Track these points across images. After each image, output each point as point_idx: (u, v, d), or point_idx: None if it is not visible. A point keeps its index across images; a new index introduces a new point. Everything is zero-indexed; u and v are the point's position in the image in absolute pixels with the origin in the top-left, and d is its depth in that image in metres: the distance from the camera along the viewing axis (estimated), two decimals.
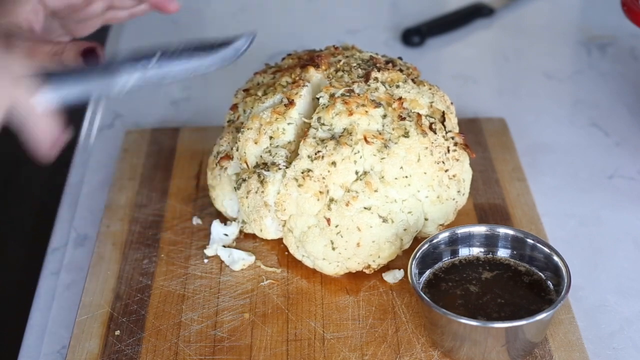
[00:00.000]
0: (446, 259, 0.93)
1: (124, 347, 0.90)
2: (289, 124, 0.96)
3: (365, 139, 0.92)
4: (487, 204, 1.07)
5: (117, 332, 0.91)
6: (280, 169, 0.93)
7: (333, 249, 0.93)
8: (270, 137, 0.95)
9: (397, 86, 0.98)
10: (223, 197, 1.02)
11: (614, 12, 1.41)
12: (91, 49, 0.91)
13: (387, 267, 0.97)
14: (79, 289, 0.98)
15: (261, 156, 0.96)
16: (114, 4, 1.00)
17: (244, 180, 0.96)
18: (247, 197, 0.96)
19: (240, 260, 0.98)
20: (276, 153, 0.94)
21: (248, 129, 0.96)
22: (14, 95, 0.81)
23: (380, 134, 0.93)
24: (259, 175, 0.95)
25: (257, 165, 0.96)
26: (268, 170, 0.94)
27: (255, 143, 0.96)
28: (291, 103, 0.96)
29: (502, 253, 0.93)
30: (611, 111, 1.28)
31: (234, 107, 1.04)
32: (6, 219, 1.42)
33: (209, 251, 1.00)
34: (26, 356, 0.94)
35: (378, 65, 1.00)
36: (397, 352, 0.88)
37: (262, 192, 0.94)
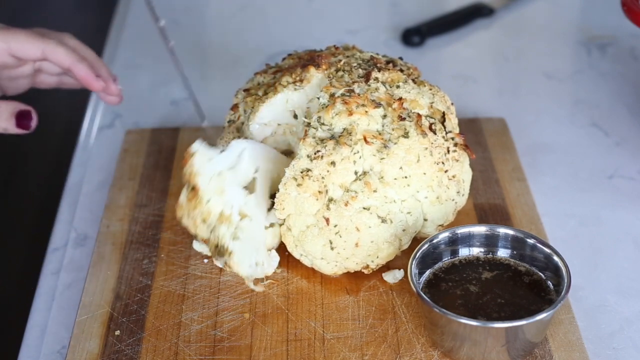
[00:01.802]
0: (446, 259, 0.93)
1: (124, 347, 0.90)
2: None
3: (364, 139, 0.92)
4: (487, 204, 1.07)
5: (117, 332, 0.91)
6: (228, 247, 0.93)
7: (332, 248, 0.93)
8: (203, 220, 0.93)
9: (398, 86, 0.98)
10: None
11: (614, 12, 1.42)
12: (26, 112, 0.96)
13: (387, 267, 0.97)
14: (79, 289, 0.98)
15: (210, 239, 0.94)
16: (42, 68, 1.05)
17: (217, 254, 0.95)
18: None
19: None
20: (217, 233, 0.93)
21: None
22: None
23: (380, 134, 0.93)
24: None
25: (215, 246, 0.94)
26: (222, 256, 0.93)
27: (201, 223, 0.94)
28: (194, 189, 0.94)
29: (502, 253, 0.93)
30: (611, 111, 1.28)
31: (235, 107, 1.04)
32: (6, 219, 1.42)
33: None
34: (26, 356, 0.94)
35: (378, 65, 1.00)
36: (397, 352, 0.88)
37: (231, 268, 0.94)
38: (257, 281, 0.95)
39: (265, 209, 0.97)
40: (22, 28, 1.00)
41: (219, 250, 0.92)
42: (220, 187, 0.92)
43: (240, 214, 0.94)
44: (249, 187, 0.95)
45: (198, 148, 0.92)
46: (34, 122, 0.96)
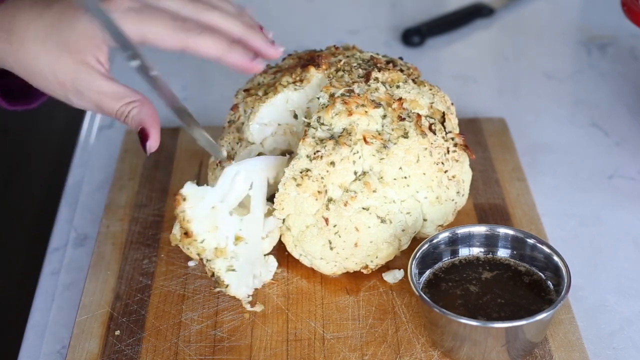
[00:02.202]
0: (446, 259, 0.93)
1: (124, 347, 0.90)
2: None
3: (364, 139, 0.92)
4: (487, 204, 1.07)
5: (117, 332, 0.91)
6: (224, 281, 0.92)
7: (331, 248, 0.93)
8: (198, 254, 0.91)
9: (398, 86, 0.98)
10: None
11: (614, 12, 1.41)
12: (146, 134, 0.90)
13: (387, 267, 0.97)
14: (79, 289, 0.98)
15: (206, 267, 0.93)
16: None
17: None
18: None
19: None
20: (213, 266, 0.91)
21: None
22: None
23: (379, 134, 0.93)
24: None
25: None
26: (219, 285, 0.92)
27: (196, 255, 0.92)
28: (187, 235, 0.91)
29: (502, 253, 0.93)
30: (611, 111, 1.28)
31: (235, 107, 1.04)
32: (6, 219, 1.42)
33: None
34: (26, 356, 0.94)
35: (378, 65, 1.00)
36: (397, 352, 0.88)
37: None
38: (253, 302, 0.94)
39: (262, 221, 0.95)
40: (158, 8, 0.89)
41: (215, 281, 0.91)
42: (213, 224, 0.90)
43: (235, 238, 0.92)
44: (244, 205, 0.94)
45: (189, 192, 0.88)
46: (149, 146, 0.90)
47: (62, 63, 0.87)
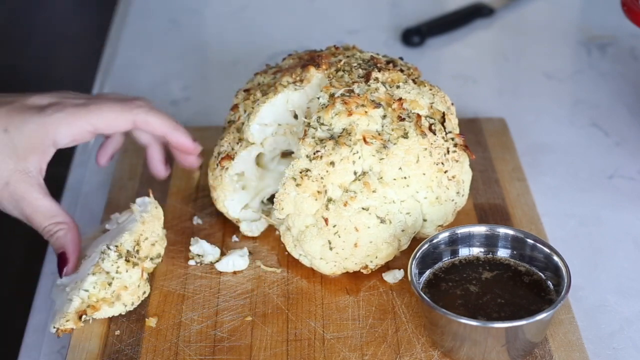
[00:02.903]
0: (446, 259, 0.93)
1: (124, 347, 0.90)
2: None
3: (364, 139, 0.92)
4: (487, 204, 1.07)
5: (117, 332, 0.91)
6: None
7: (330, 248, 0.93)
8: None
9: (398, 87, 0.98)
10: (224, 198, 1.02)
11: (614, 12, 1.42)
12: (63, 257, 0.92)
13: (387, 267, 0.97)
14: None
15: None
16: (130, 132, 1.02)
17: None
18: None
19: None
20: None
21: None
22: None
23: (379, 134, 0.93)
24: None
25: None
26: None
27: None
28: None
29: (502, 253, 0.93)
30: (611, 111, 1.28)
31: (235, 107, 1.04)
32: (6, 219, 1.42)
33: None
34: (26, 356, 0.94)
35: (379, 65, 1.00)
36: (397, 352, 0.88)
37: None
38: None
39: None
40: (102, 97, 0.94)
41: None
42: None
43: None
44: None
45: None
46: (65, 270, 0.92)
47: (2, 167, 0.88)
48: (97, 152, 1.03)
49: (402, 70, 1.00)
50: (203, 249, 1.00)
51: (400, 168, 0.93)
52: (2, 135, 0.88)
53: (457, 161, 0.97)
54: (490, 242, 0.93)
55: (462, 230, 0.93)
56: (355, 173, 0.93)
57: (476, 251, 0.93)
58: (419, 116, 0.95)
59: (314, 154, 0.92)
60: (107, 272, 0.90)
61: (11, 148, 0.88)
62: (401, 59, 1.05)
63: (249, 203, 1.03)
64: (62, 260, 0.92)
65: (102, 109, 0.92)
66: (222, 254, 1.01)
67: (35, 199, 0.90)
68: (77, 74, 1.94)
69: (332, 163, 0.92)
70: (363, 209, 0.92)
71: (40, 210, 0.90)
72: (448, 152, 0.96)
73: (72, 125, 0.90)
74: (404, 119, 0.95)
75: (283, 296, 0.95)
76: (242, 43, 1.48)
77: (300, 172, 0.93)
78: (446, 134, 0.97)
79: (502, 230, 0.93)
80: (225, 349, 0.89)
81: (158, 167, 1.03)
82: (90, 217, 1.09)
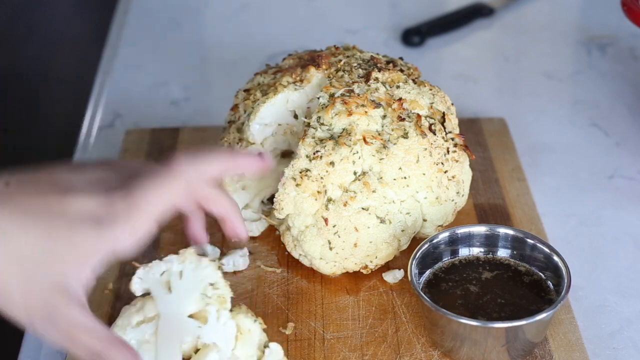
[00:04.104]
0: (446, 259, 0.93)
1: None
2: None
3: (364, 139, 0.92)
4: (487, 204, 1.07)
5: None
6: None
7: (330, 248, 0.93)
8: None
9: (398, 87, 0.98)
10: None
11: (614, 12, 1.42)
12: None
13: (387, 267, 0.97)
14: None
15: None
16: None
17: None
18: None
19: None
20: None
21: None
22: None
23: (379, 134, 0.93)
24: None
25: None
26: None
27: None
28: None
29: (502, 253, 0.93)
30: (611, 111, 1.28)
31: (235, 107, 1.04)
32: None
33: None
34: (26, 356, 0.94)
35: (379, 65, 1.00)
36: (397, 352, 0.88)
37: None
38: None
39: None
40: (144, 177, 0.76)
41: None
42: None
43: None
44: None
45: None
46: None
47: (37, 281, 0.72)
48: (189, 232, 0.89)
49: (402, 70, 1.00)
50: (203, 249, 1.00)
51: (400, 168, 0.93)
52: (43, 244, 0.72)
53: (457, 161, 0.97)
54: (490, 242, 0.93)
55: (462, 230, 0.93)
56: (355, 173, 0.93)
57: (476, 251, 0.93)
58: (419, 116, 0.95)
59: (314, 154, 0.92)
60: None
61: (51, 260, 0.72)
62: (401, 59, 1.05)
63: (249, 203, 1.03)
64: None
65: (142, 189, 0.75)
66: (222, 254, 1.01)
67: (74, 317, 0.73)
68: (77, 74, 1.94)
69: (332, 163, 0.92)
70: (363, 209, 0.92)
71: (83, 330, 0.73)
72: (448, 152, 0.96)
73: (132, 228, 0.75)
74: (404, 119, 0.95)
75: (283, 296, 0.95)
76: (242, 43, 1.48)
77: (300, 172, 0.93)
78: (446, 134, 0.97)
79: (502, 230, 0.93)
80: None
81: (200, 235, 0.88)
82: None
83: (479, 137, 1.18)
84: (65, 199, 0.73)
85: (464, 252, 0.93)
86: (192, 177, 0.77)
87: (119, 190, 0.74)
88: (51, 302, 0.72)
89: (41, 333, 0.73)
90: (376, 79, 0.97)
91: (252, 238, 1.03)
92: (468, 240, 0.93)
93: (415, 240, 0.96)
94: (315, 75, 1.00)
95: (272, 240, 1.03)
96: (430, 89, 1.00)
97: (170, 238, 1.02)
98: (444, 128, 0.97)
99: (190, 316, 0.82)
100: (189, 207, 0.83)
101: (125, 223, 0.74)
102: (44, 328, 0.73)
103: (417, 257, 0.90)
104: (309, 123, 0.95)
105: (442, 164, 0.95)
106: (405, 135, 0.94)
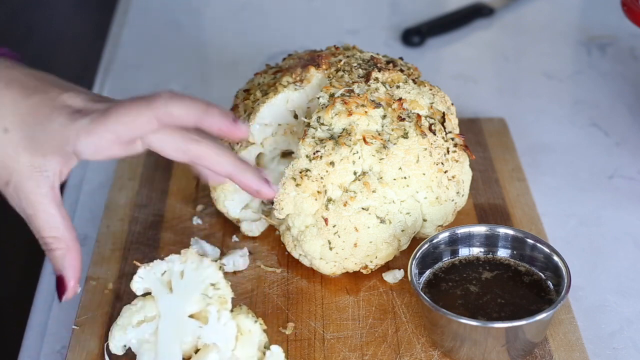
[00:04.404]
0: (446, 259, 0.93)
1: None
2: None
3: (364, 139, 0.92)
4: (487, 204, 1.07)
5: None
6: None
7: (330, 248, 0.93)
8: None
9: (398, 87, 0.98)
10: (224, 198, 1.02)
11: (614, 12, 1.42)
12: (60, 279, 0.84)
13: (387, 267, 0.97)
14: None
15: None
16: None
17: None
18: None
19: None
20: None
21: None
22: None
23: (379, 134, 0.93)
24: None
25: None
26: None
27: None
28: None
29: (502, 253, 0.93)
30: (611, 111, 1.28)
31: (235, 107, 1.04)
32: (6, 219, 1.42)
33: None
34: (26, 356, 0.94)
35: (379, 65, 1.00)
36: (397, 352, 0.88)
37: None
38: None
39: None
40: (124, 100, 0.82)
41: None
42: None
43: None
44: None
45: None
46: (65, 297, 0.83)
47: (12, 159, 0.80)
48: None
49: (402, 70, 1.00)
50: (203, 249, 1.00)
51: (400, 168, 0.93)
52: (21, 127, 0.80)
53: (457, 161, 0.97)
54: (490, 242, 0.93)
55: (462, 230, 0.93)
56: (355, 173, 0.93)
57: (476, 251, 0.93)
58: (419, 116, 0.95)
59: (314, 154, 0.92)
60: None
61: (29, 141, 0.79)
62: (401, 59, 1.05)
63: (249, 203, 1.03)
64: (60, 284, 0.83)
65: (118, 112, 0.80)
66: (222, 254, 1.01)
67: (40, 203, 0.81)
68: (77, 74, 1.94)
69: (332, 163, 0.92)
70: (363, 209, 0.92)
71: (42, 216, 0.82)
72: (448, 152, 0.96)
73: (92, 133, 0.79)
74: (404, 119, 0.95)
75: (283, 296, 0.95)
76: (242, 43, 1.48)
77: (300, 172, 0.93)
78: (446, 134, 0.97)
79: (502, 230, 0.93)
80: None
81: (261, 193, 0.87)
82: (91, 217, 1.09)
83: (479, 137, 1.18)
84: (60, 88, 0.82)
85: (464, 252, 0.93)
86: (162, 115, 0.80)
87: (101, 102, 0.82)
88: (21, 183, 0.80)
89: (9, 201, 0.82)
90: (376, 79, 0.97)
91: (252, 238, 1.03)
92: (468, 240, 0.93)
93: (415, 240, 0.96)
94: (315, 75, 1.00)
95: (272, 240, 1.03)
96: (430, 89, 1.00)
97: (170, 238, 1.02)
98: (444, 128, 0.97)
99: (191, 316, 0.82)
100: (180, 158, 0.84)
101: (89, 124, 0.79)
102: (10, 198, 0.82)
103: (417, 257, 0.90)
104: (309, 123, 0.95)
105: (442, 164, 0.95)
106: (405, 135, 0.94)
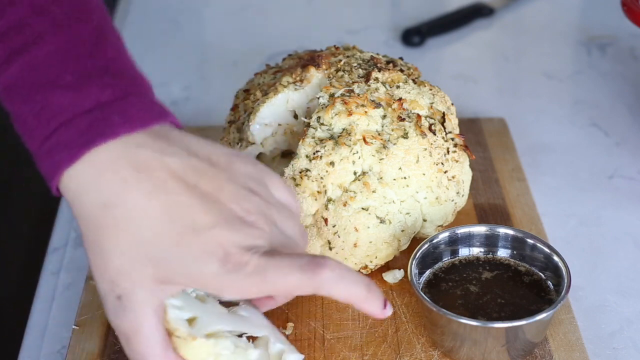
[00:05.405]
0: (446, 259, 0.93)
1: None
2: None
3: (364, 139, 0.92)
4: (487, 204, 1.07)
5: None
6: None
7: (330, 249, 0.93)
8: None
9: (398, 87, 0.98)
10: None
11: (614, 12, 1.42)
12: None
13: (387, 267, 0.97)
14: (79, 289, 0.98)
15: None
16: None
17: None
18: None
19: None
20: None
21: None
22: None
23: (379, 134, 0.93)
24: None
25: None
26: None
27: None
28: None
29: (502, 253, 0.93)
30: (611, 111, 1.28)
31: (235, 107, 1.04)
32: (6, 219, 1.42)
33: None
34: (26, 356, 0.94)
35: (379, 65, 1.00)
36: (397, 352, 0.88)
37: None
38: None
39: None
40: (281, 254, 0.71)
41: None
42: None
43: None
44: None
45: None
46: None
47: (138, 270, 0.69)
48: None
49: (402, 70, 1.00)
50: None
51: (400, 168, 0.93)
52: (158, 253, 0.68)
53: (457, 161, 0.97)
54: (490, 242, 0.93)
55: (462, 230, 0.93)
56: (355, 173, 0.93)
57: (476, 251, 0.93)
58: (419, 116, 0.95)
59: (314, 154, 0.92)
60: None
61: (164, 266, 0.69)
62: (401, 59, 1.05)
63: None
64: None
65: (277, 278, 0.69)
66: None
67: (146, 318, 0.70)
68: None
69: (332, 163, 0.92)
70: (363, 209, 0.92)
71: (145, 333, 0.70)
72: (448, 152, 0.96)
73: (242, 291, 0.70)
74: (404, 119, 0.95)
75: None
76: (242, 43, 1.48)
77: (300, 172, 0.93)
78: (446, 134, 0.97)
79: (502, 230, 0.93)
80: None
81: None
82: None
83: (479, 137, 1.18)
84: (213, 225, 0.69)
85: (464, 252, 0.93)
86: (321, 292, 0.72)
87: (257, 256, 0.69)
88: (133, 296, 0.69)
89: (107, 310, 0.71)
90: (376, 79, 0.97)
91: None
92: (468, 240, 0.93)
93: (415, 240, 0.96)
94: (315, 75, 1.00)
95: None
96: (430, 89, 1.00)
97: None
98: (444, 128, 0.97)
99: None
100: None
101: (245, 281, 0.69)
102: (111, 310, 0.70)
103: (417, 257, 0.90)
104: (309, 123, 0.95)
105: (442, 164, 0.95)
106: (405, 135, 0.94)
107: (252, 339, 0.80)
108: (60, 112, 0.69)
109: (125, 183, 0.68)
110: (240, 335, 0.78)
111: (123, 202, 0.68)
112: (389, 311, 0.75)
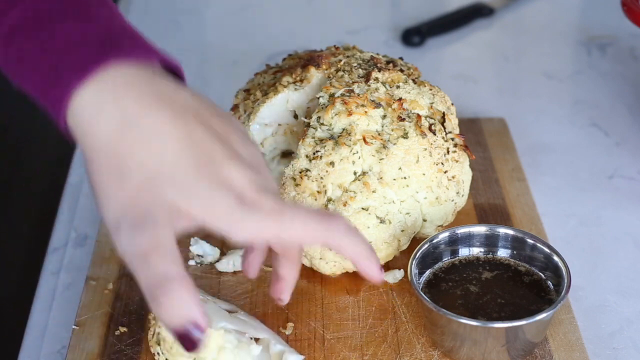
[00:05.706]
0: (446, 259, 0.93)
1: (124, 347, 0.90)
2: None
3: (364, 139, 0.92)
4: (487, 204, 1.07)
5: (117, 332, 0.91)
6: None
7: (330, 248, 0.93)
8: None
9: (398, 87, 0.98)
10: None
11: (614, 12, 1.42)
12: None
13: (387, 267, 0.97)
14: (79, 289, 0.98)
15: None
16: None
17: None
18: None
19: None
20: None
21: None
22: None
23: (379, 134, 0.93)
24: None
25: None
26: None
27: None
28: None
29: (502, 253, 0.93)
30: (611, 111, 1.28)
31: (235, 107, 1.04)
32: (6, 219, 1.42)
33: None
34: (26, 356, 0.94)
35: (379, 65, 1.00)
36: (397, 352, 0.88)
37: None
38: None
39: None
40: (298, 206, 0.73)
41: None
42: None
43: None
44: None
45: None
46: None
47: (154, 190, 0.67)
48: (243, 263, 0.83)
49: (402, 70, 1.00)
50: (203, 249, 1.00)
51: (400, 168, 0.93)
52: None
53: (457, 161, 0.97)
54: (490, 242, 0.93)
55: (462, 230, 0.93)
56: (355, 173, 0.93)
57: (476, 251, 0.93)
58: (419, 116, 0.95)
59: (314, 154, 0.92)
60: None
61: (187, 190, 0.67)
62: (401, 59, 1.05)
63: None
64: (185, 338, 0.69)
65: (294, 222, 0.70)
66: (222, 254, 1.01)
67: (165, 236, 0.68)
68: None
69: (332, 163, 0.92)
70: (362, 209, 0.92)
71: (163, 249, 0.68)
72: (448, 152, 0.96)
73: (256, 235, 0.69)
74: (404, 119, 0.95)
75: None
76: (242, 43, 1.48)
77: (300, 172, 0.93)
78: (446, 134, 0.97)
79: (502, 230, 0.93)
80: None
81: (253, 269, 0.82)
82: (91, 217, 1.09)
83: (479, 137, 1.18)
84: (227, 160, 0.68)
85: (464, 252, 0.93)
86: (332, 244, 0.73)
87: (270, 197, 0.69)
88: (154, 213, 0.66)
89: (120, 237, 0.68)
90: (376, 79, 0.97)
91: None
92: (468, 240, 0.93)
93: (415, 240, 0.96)
94: (315, 75, 1.00)
95: None
96: (430, 89, 1.00)
97: None
98: (444, 128, 0.97)
99: None
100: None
101: (260, 225, 0.68)
102: (126, 232, 0.67)
103: (417, 257, 0.90)
104: (309, 123, 0.95)
105: (442, 164, 0.95)
106: (405, 136, 0.94)
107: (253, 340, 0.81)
108: (69, 36, 0.66)
109: (147, 106, 0.66)
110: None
111: (145, 123, 0.66)
112: (383, 276, 0.78)
